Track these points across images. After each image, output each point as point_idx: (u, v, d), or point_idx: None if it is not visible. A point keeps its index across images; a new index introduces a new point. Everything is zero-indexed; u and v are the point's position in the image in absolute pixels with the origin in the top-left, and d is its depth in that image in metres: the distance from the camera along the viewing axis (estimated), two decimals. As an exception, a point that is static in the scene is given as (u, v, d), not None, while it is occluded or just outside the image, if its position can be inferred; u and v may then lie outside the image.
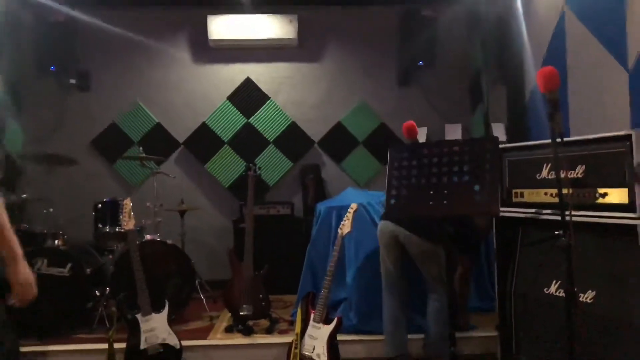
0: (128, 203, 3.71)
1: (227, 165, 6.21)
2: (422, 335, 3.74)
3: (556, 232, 2.39)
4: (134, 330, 3.62)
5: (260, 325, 4.38)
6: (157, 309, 3.71)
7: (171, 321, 3.74)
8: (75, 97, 6.19)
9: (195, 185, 6.26)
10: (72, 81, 6.04)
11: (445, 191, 2.72)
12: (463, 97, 6.39)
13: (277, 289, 5.45)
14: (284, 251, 5.70)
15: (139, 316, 3.63)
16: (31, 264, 4.29)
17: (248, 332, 4.22)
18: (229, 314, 4.44)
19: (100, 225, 4.82)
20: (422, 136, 5.98)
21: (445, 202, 2.71)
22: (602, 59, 3.73)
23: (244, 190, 5.47)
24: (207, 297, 5.19)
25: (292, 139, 6.29)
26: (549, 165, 3.11)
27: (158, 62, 6.26)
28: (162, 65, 6.27)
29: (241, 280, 4.36)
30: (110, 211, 4.79)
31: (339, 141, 6.37)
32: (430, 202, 2.75)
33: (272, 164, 6.26)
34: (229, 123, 6.23)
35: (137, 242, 4.40)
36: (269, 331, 4.28)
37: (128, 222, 3.68)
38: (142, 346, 3.57)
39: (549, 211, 3.07)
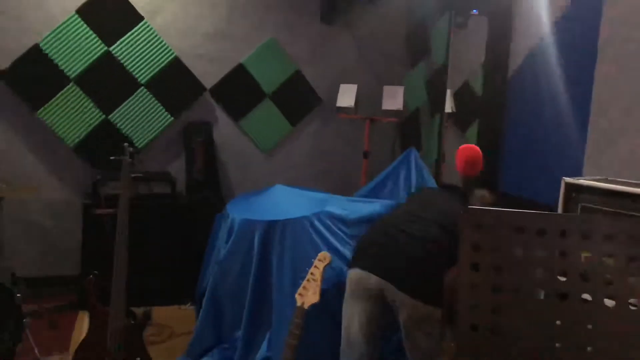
0: None
1: (72, 114, 4.17)
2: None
3: None
4: None
5: (135, 400, 2.79)
6: None
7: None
8: None
9: (22, 142, 4.15)
10: None
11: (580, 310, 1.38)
12: (406, 50, 5.00)
13: (146, 299, 3.85)
14: (158, 247, 4.06)
15: None
16: None
17: (117, 419, 2.63)
18: None
19: None
20: (350, 96, 4.54)
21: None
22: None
23: (100, 153, 3.75)
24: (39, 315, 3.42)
25: (174, 83, 4.42)
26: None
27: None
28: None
29: (105, 334, 2.69)
30: None
31: (239, 90, 4.65)
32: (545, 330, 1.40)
33: (143, 117, 4.36)
34: (78, 50, 4.13)
35: None
36: (150, 413, 2.73)
37: None
38: None
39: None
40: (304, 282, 2.17)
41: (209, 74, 4.53)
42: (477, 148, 1.86)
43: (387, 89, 4.52)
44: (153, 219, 4.04)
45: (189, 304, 4.11)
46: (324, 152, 4.95)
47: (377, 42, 4.91)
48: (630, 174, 2.70)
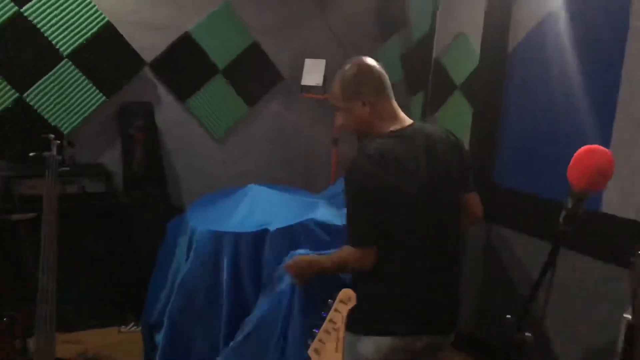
0: None
1: (-26, 92, 3.31)
2: None
3: None
4: None
5: None
6: None
7: None
8: None
9: None
10: None
11: None
12: (377, 22, 4.40)
13: (79, 321, 3.20)
14: (92, 257, 3.32)
15: None
16: None
17: None
18: None
19: None
20: (317, 73, 3.92)
21: None
22: None
23: (13, 142, 3.31)
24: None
25: (107, 55, 3.58)
26: None
27: None
28: None
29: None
30: None
31: (186, 65, 3.89)
32: None
33: (68, 96, 3.51)
34: (-20, 10, 3.26)
35: None
36: None
37: None
38: None
39: None
40: (320, 333, 1.55)
41: (149, 45, 3.73)
42: (609, 152, 1.29)
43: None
44: (84, 224, 3.28)
45: (131, 324, 3.41)
46: (287, 138, 4.29)
47: (346, 11, 4.28)
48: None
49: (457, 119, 3.78)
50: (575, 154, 1.36)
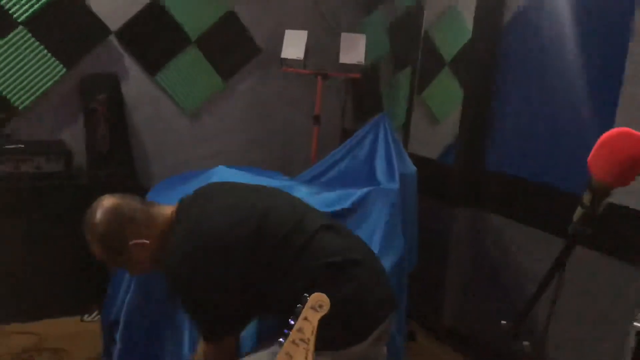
0: None
1: None
2: None
3: None
4: None
5: None
6: None
7: None
8: None
9: None
10: None
11: None
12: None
13: (38, 311, 3.01)
14: (50, 242, 3.09)
15: None
16: None
17: None
18: None
19: None
20: (299, 46, 3.63)
21: None
22: None
23: None
24: None
25: (66, 21, 3.28)
26: None
27: None
28: None
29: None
30: None
31: (155, 34, 3.59)
32: None
33: (24, 67, 3.21)
34: None
35: None
36: None
37: None
38: None
39: None
40: (286, 345, 1.32)
41: (114, 11, 3.43)
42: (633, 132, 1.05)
43: (345, 38, 3.64)
44: (41, 206, 3.02)
45: (95, 313, 3.18)
46: (264, 115, 4.02)
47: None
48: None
49: (444, 98, 3.53)
50: (602, 138, 1.10)
